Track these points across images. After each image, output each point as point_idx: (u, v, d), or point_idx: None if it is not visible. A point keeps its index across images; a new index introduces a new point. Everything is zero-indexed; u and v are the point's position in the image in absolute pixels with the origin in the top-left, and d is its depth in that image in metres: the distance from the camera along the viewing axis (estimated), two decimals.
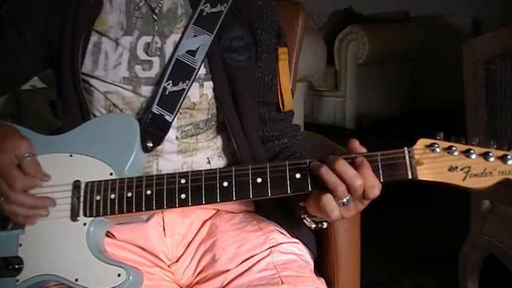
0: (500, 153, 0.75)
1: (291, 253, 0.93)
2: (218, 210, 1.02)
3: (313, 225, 0.90)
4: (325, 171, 0.77)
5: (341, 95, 4.25)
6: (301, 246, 0.97)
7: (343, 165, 0.77)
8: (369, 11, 4.62)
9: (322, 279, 0.97)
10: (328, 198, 0.78)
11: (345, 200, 0.78)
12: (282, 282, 0.86)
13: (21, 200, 0.87)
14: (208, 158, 1.00)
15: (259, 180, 0.82)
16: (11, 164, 0.87)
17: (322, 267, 1.06)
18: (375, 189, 0.77)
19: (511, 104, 1.48)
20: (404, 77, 4.76)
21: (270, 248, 0.92)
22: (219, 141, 1.02)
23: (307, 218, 0.89)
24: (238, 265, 0.90)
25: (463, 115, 1.63)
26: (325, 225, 0.89)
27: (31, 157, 0.88)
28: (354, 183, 0.76)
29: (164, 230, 0.96)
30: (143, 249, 0.97)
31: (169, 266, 0.97)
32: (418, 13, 4.75)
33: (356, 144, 0.80)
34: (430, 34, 4.62)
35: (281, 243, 0.94)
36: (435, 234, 2.46)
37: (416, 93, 4.87)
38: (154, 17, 0.97)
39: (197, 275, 0.96)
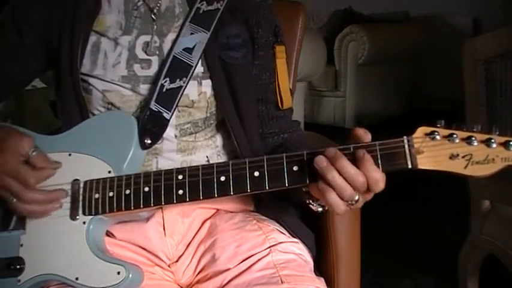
0: (503, 139, 0.73)
1: (291, 252, 0.94)
2: (218, 210, 1.02)
3: (320, 209, 0.86)
4: (332, 177, 0.74)
5: (341, 95, 4.26)
6: (300, 245, 0.97)
7: (343, 164, 0.74)
8: (369, 11, 4.63)
9: (322, 279, 0.97)
10: (333, 198, 0.75)
11: (353, 201, 0.76)
12: (282, 281, 0.86)
13: (34, 197, 0.87)
14: (207, 157, 1.00)
15: (256, 173, 0.82)
16: (18, 163, 0.86)
17: (322, 267, 1.06)
18: (379, 183, 0.75)
19: (511, 103, 1.48)
20: (404, 77, 4.76)
21: (269, 247, 0.92)
22: (218, 140, 1.02)
23: (313, 203, 0.87)
24: (238, 264, 0.90)
25: (463, 115, 1.63)
26: None
27: (36, 151, 0.88)
28: (355, 181, 0.74)
29: (164, 229, 0.96)
30: (143, 248, 0.97)
31: (169, 266, 0.97)
32: (418, 13, 4.75)
33: (360, 132, 0.77)
34: (430, 34, 4.63)
35: (281, 243, 0.94)
36: (435, 234, 2.46)
37: (416, 93, 4.87)
38: (153, 16, 0.97)
39: (197, 275, 0.96)
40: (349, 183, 0.74)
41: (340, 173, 0.75)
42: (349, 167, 0.74)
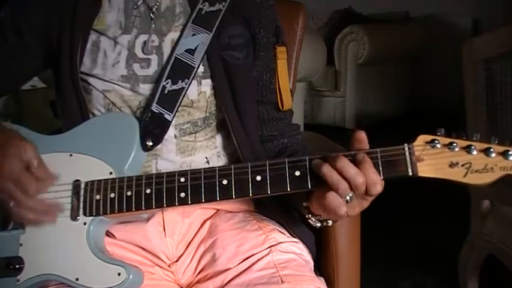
0: (502, 148, 0.75)
1: (291, 252, 0.94)
2: (218, 210, 1.02)
3: (318, 224, 0.89)
4: (327, 170, 0.77)
5: (341, 95, 4.26)
6: (300, 245, 0.97)
7: (344, 163, 0.77)
8: (369, 11, 4.63)
9: (322, 279, 0.97)
10: (333, 196, 0.78)
11: (347, 197, 0.78)
12: (282, 281, 0.86)
13: (34, 206, 0.86)
14: (207, 158, 1.00)
15: (258, 178, 0.82)
16: (21, 169, 0.85)
17: (322, 267, 1.06)
18: (377, 185, 0.77)
19: (511, 104, 1.48)
20: (404, 77, 4.76)
21: (269, 247, 0.92)
22: (217, 141, 1.02)
23: (311, 218, 0.89)
24: (238, 264, 0.90)
25: (463, 115, 1.63)
26: (330, 223, 0.88)
27: (38, 160, 0.87)
28: (355, 180, 0.76)
29: (164, 229, 0.96)
30: (143, 249, 0.97)
31: (169, 266, 0.97)
32: (418, 13, 4.75)
33: (362, 135, 0.80)
34: (430, 34, 4.63)
35: (281, 243, 0.94)
36: (435, 234, 2.46)
37: (417, 93, 4.87)
38: (152, 15, 0.97)
39: (197, 275, 0.96)
40: (349, 181, 0.76)
41: (341, 173, 0.77)
42: (349, 167, 0.77)
